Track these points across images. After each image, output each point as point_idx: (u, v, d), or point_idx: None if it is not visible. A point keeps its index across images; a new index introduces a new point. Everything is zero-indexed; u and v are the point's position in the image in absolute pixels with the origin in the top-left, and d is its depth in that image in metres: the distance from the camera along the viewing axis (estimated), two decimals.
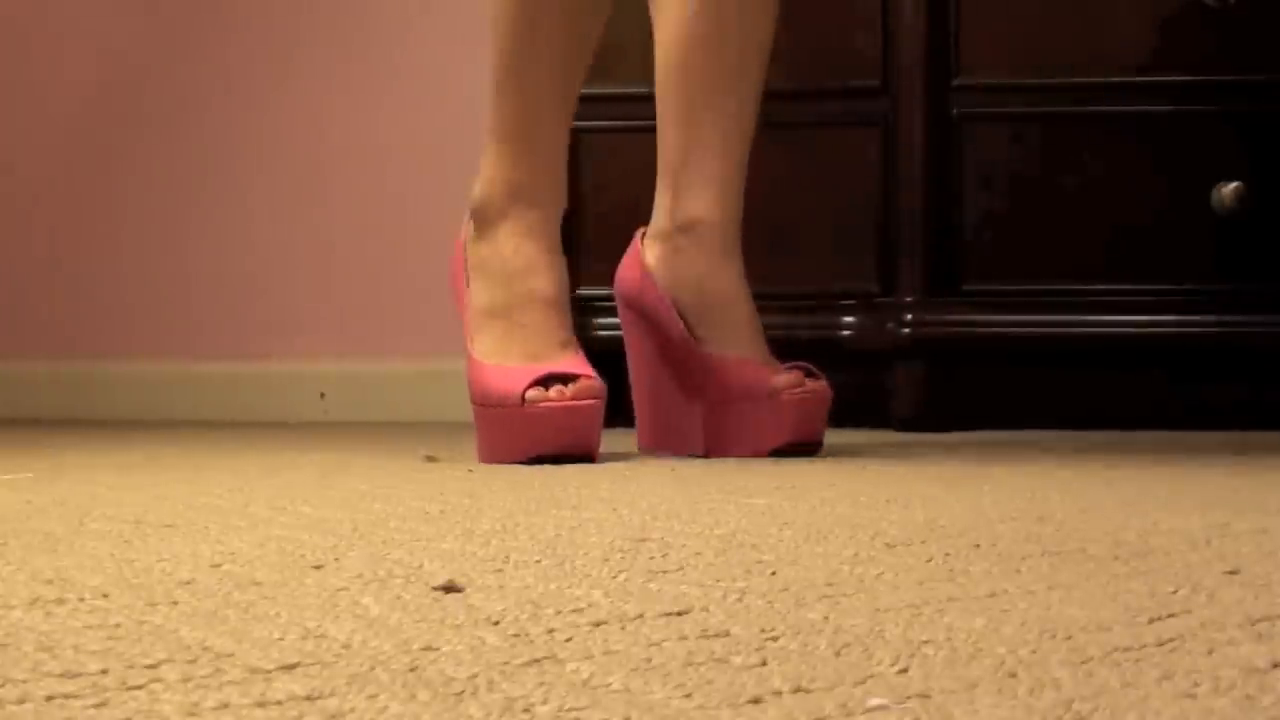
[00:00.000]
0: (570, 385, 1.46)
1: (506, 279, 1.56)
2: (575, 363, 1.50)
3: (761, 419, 1.55)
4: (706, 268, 1.60)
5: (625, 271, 1.67)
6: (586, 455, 1.46)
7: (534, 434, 1.45)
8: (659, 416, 1.64)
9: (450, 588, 0.69)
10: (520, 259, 1.57)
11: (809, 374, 1.58)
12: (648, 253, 1.63)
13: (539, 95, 1.63)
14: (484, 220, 1.60)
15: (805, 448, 1.55)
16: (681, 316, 1.60)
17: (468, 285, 1.59)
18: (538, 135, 1.63)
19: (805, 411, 1.55)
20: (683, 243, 1.61)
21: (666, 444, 1.63)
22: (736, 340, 1.59)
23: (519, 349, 1.52)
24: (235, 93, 2.69)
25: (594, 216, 2.17)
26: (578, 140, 2.20)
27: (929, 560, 0.78)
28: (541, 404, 1.45)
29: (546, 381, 1.46)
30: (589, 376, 1.48)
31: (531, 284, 1.56)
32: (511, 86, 1.65)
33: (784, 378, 1.55)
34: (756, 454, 1.54)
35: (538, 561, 0.78)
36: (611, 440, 1.57)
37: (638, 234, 1.67)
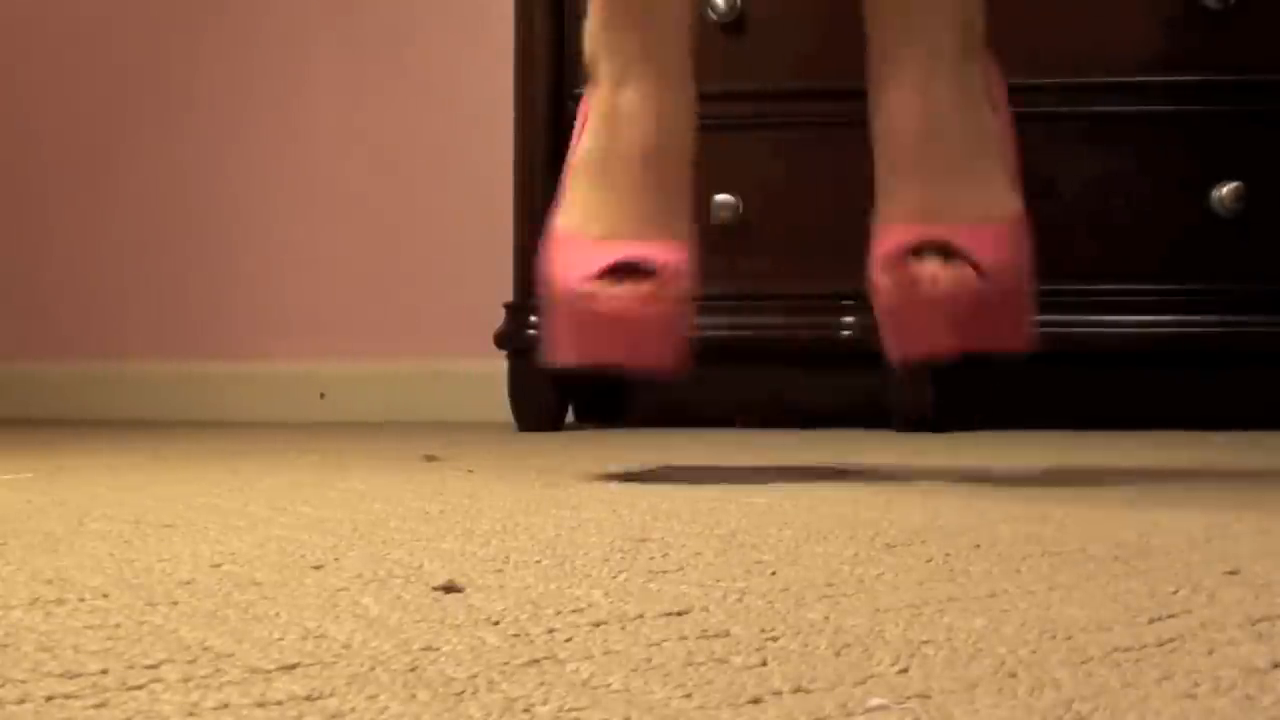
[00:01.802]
0: (644, 282, 1.15)
1: (612, 124, 1.23)
2: (656, 246, 1.17)
3: (879, 316, 1.19)
4: (907, 90, 1.21)
5: None
6: (659, 366, 1.17)
7: (586, 339, 1.17)
8: None
9: (450, 588, 0.69)
10: (626, 99, 1.22)
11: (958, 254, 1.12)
12: None
13: None
14: (594, 70, 1.26)
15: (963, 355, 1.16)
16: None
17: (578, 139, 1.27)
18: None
19: (916, 320, 1.14)
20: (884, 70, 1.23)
21: None
22: (887, 183, 1.21)
23: (600, 220, 1.20)
24: (235, 92, 2.69)
25: None
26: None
27: (929, 560, 0.78)
28: (591, 304, 1.15)
29: (619, 271, 1.16)
30: (663, 267, 1.16)
31: (631, 131, 1.22)
32: None
33: (886, 276, 1.15)
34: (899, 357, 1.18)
35: (538, 561, 0.78)
36: (614, 439, 1.57)
37: None
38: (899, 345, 1.15)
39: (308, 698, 0.49)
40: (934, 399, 2.09)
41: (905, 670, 0.52)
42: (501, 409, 2.24)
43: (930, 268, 1.12)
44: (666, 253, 1.16)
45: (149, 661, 0.54)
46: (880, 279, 1.14)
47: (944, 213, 1.12)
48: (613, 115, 1.22)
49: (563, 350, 1.19)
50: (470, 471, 1.40)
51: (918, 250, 1.12)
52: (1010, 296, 1.12)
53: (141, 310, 2.71)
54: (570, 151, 1.26)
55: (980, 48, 1.23)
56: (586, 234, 1.19)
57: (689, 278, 1.17)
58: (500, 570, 0.75)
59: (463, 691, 0.49)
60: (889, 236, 1.14)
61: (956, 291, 1.10)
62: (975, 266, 1.11)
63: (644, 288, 1.14)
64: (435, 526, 0.94)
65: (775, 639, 0.58)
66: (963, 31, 1.22)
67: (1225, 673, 0.51)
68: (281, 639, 0.58)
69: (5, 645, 0.57)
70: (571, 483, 1.25)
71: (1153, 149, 2.08)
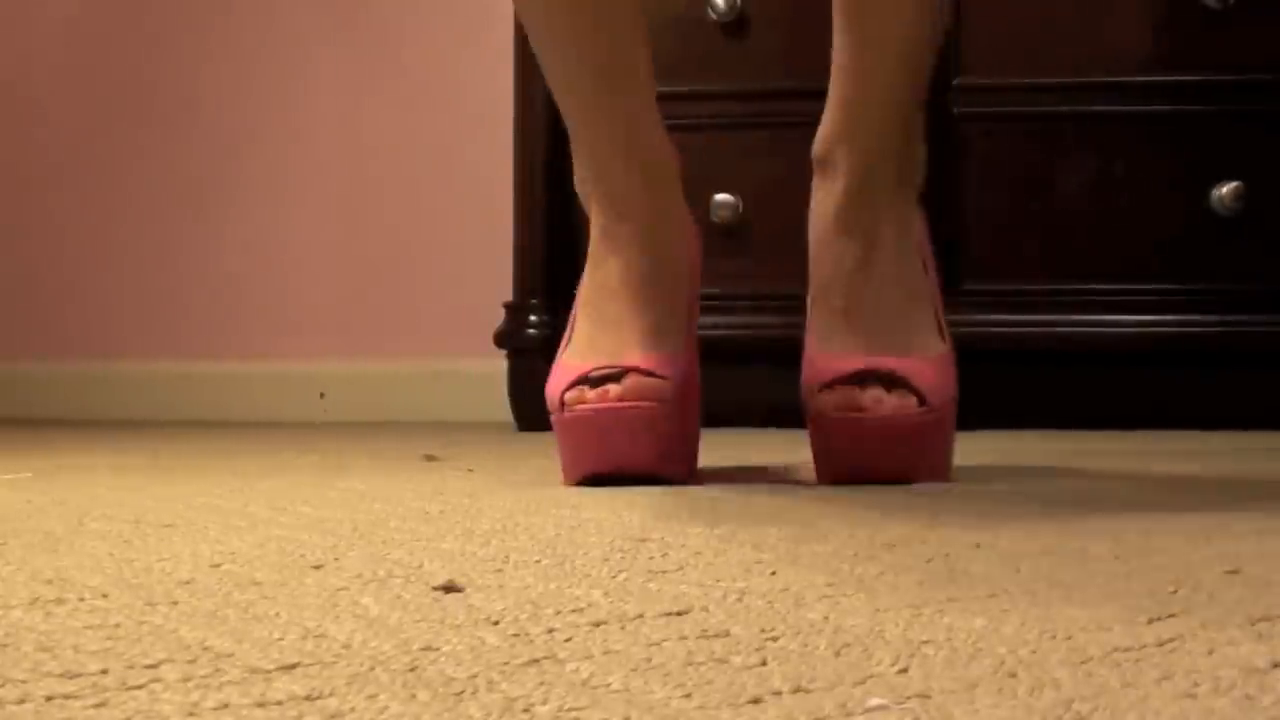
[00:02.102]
0: (613, 385, 1.17)
1: (601, 259, 1.24)
2: (647, 357, 1.18)
3: (813, 440, 1.21)
4: (832, 215, 1.27)
5: None
6: (644, 472, 1.16)
7: (574, 447, 1.18)
8: None
9: (450, 588, 0.69)
10: (618, 233, 1.24)
11: (893, 383, 1.17)
12: None
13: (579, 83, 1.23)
14: (584, 202, 1.28)
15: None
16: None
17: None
18: (589, 129, 1.25)
19: (856, 441, 1.16)
20: (817, 180, 1.30)
21: None
22: (825, 326, 1.24)
23: (591, 347, 1.20)
24: (235, 93, 2.69)
25: None
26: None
27: (929, 560, 0.78)
28: (576, 409, 1.17)
29: (597, 380, 1.18)
30: (647, 371, 1.17)
31: (618, 264, 1.23)
32: (554, 77, 1.25)
33: (830, 395, 1.17)
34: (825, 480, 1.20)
35: (538, 561, 0.78)
36: None
37: None
38: (831, 467, 1.18)
39: (308, 698, 0.49)
40: None
41: (905, 670, 0.52)
42: (501, 409, 2.24)
43: (874, 392, 1.16)
44: (644, 360, 1.18)
45: (149, 661, 0.54)
46: (821, 399, 1.17)
47: (886, 348, 1.18)
48: (601, 252, 1.24)
49: (565, 471, 1.21)
50: (470, 471, 1.39)
51: (862, 378, 1.17)
52: (943, 425, 1.18)
53: (142, 310, 2.71)
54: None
55: (916, 199, 1.30)
56: (574, 358, 1.21)
57: (674, 383, 1.18)
58: (500, 570, 0.75)
59: (463, 691, 0.49)
60: (832, 363, 1.18)
61: (898, 415, 1.15)
62: (916, 394, 1.16)
63: (612, 389, 1.16)
64: (435, 526, 0.94)
65: (775, 639, 0.58)
66: (912, 177, 1.30)
67: (1225, 673, 0.51)
68: (281, 639, 0.58)
69: (5, 645, 0.57)
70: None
71: (1153, 149, 2.08)
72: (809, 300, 1.26)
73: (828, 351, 1.20)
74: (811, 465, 1.21)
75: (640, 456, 1.16)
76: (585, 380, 1.17)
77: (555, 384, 1.20)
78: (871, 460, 1.16)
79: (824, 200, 1.29)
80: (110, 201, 2.73)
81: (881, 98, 1.25)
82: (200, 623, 0.62)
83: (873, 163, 1.26)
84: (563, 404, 1.18)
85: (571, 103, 1.25)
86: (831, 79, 1.27)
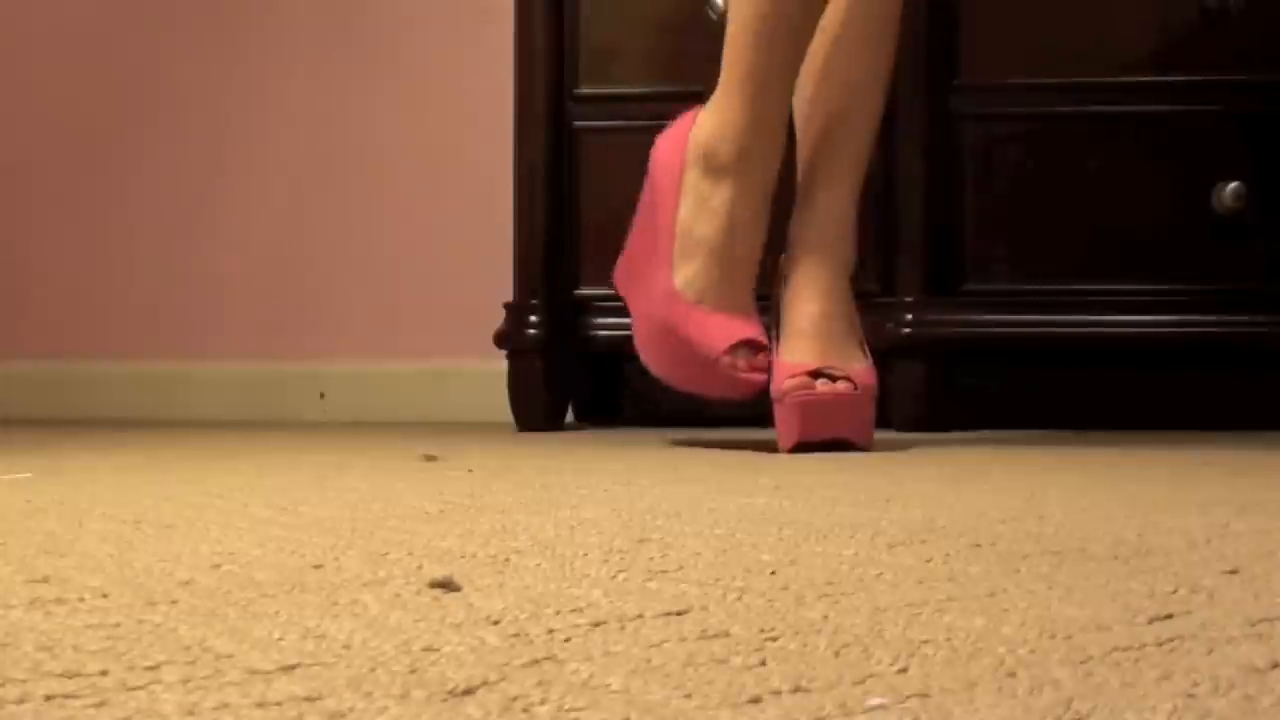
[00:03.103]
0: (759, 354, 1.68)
1: (727, 227, 1.70)
2: (761, 331, 1.69)
3: (777, 417, 1.66)
4: (797, 289, 1.72)
5: (667, 136, 1.75)
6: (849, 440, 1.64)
7: (723, 388, 1.68)
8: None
9: (448, 585, 0.69)
10: (740, 214, 1.69)
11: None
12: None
13: (785, 55, 1.67)
14: (713, 160, 1.70)
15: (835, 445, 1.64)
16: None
17: (678, 201, 1.72)
18: (775, 95, 1.68)
19: (809, 409, 1.64)
20: (784, 260, 1.75)
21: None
22: (792, 349, 1.69)
23: (720, 300, 1.68)
24: (235, 92, 2.69)
25: (592, 215, 2.17)
26: (577, 140, 2.21)
27: (929, 560, 0.78)
28: (739, 373, 1.67)
29: (745, 346, 1.67)
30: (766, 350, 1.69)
31: (743, 244, 1.69)
32: (764, 41, 1.66)
33: (792, 381, 1.64)
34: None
35: (538, 562, 0.78)
36: (614, 438, 1.58)
37: (694, 111, 1.73)
38: (790, 432, 1.63)
39: (308, 698, 0.49)
40: (933, 399, 2.09)
41: (905, 670, 0.52)
42: (501, 409, 2.24)
43: (823, 381, 1.65)
44: (763, 335, 1.71)
45: (149, 662, 0.54)
46: (785, 384, 1.64)
47: (834, 357, 1.68)
48: (725, 216, 1.70)
49: (679, 379, 1.74)
50: (470, 471, 1.40)
51: (816, 372, 1.66)
52: (869, 406, 1.67)
53: (141, 310, 2.71)
54: (671, 197, 1.73)
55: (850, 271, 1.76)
56: (705, 302, 1.70)
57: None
58: (500, 570, 0.75)
59: (463, 691, 0.49)
60: (799, 364, 1.66)
61: (841, 394, 1.65)
62: (851, 383, 1.66)
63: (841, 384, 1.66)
64: (435, 526, 0.94)
65: (775, 639, 0.58)
66: (848, 256, 1.75)
67: (1225, 673, 0.51)
68: (281, 639, 0.58)
69: (5, 645, 0.57)
70: (571, 483, 1.25)
71: (1153, 149, 2.08)
72: (779, 338, 1.71)
73: (790, 360, 1.67)
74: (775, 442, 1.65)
75: (850, 429, 1.65)
76: (743, 344, 1.67)
77: (714, 334, 1.68)
78: (818, 425, 1.63)
79: (797, 285, 1.73)
80: (110, 201, 2.73)
81: (852, 198, 1.75)
82: (200, 623, 0.62)
83: (836, 266, 1.74)
84: (719, 359, 1.67)
85: None
86: (805, 184, 1.74)
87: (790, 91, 1.70)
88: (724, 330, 1.68)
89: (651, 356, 1.73)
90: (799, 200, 1.75)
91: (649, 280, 1.72)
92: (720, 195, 1.70)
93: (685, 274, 1.70)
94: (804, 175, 1.75)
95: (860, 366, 1.68)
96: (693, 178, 1.71)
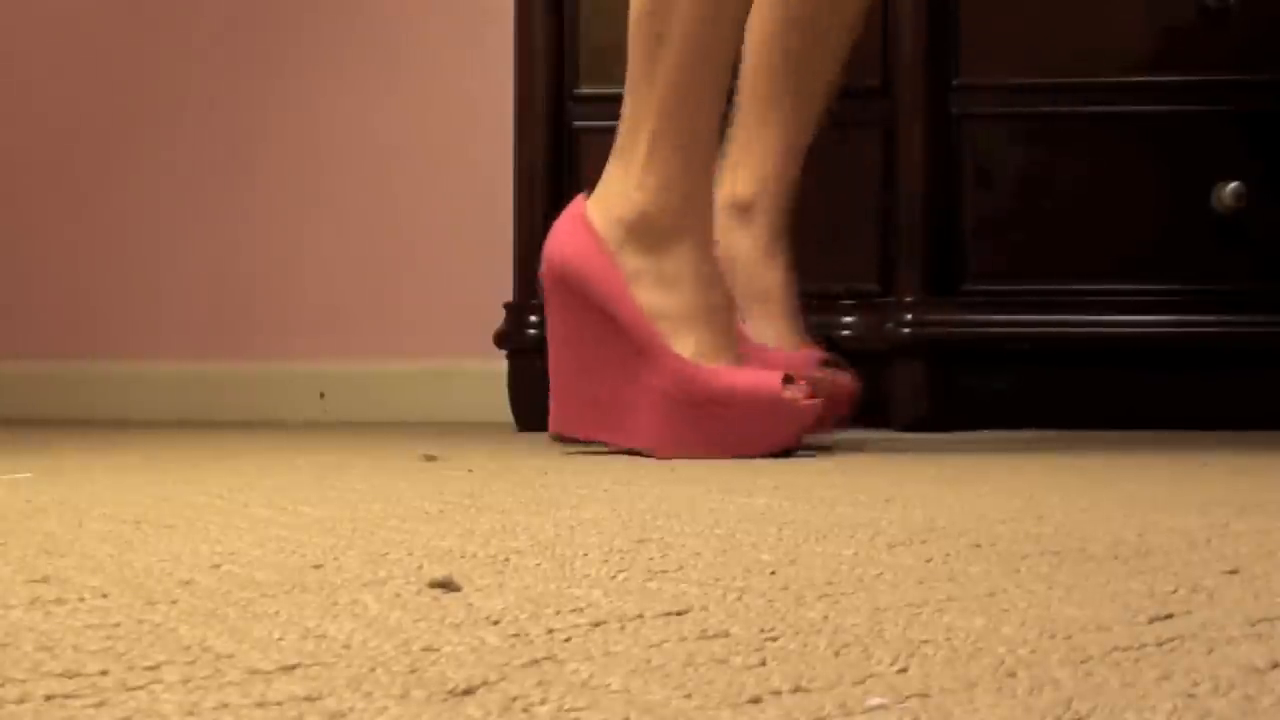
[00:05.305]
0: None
1: (696, 287, 1.59)
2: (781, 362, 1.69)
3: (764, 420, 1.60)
4: (763, 249, 1.75)
5: (566, 238, 1.62)
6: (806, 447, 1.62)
7: (791, 426, 1.57)
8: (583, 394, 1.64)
9: (447, 584, 0.69)
10: (700, 268, 1.60)
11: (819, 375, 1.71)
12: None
13: (716, 105, 1.60)
14: (653, 230, 1.59)
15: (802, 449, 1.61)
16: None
17: (629, 288, 1.59)
18: (709, 145, 1.61)
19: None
20: (736, 222, 1.74)
21: (587, 427, 1.63)
22: (774, 331, 1.74)
23: (731, 353, 1.59)
24: (235, 92, 2.69)
25: None
26: (577, 140, 2.21)
27: (929, 560, 0.78)
28: (801, 402, 1.57)
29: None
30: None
31: (717, 292, 1.61)
32: (695, 96, 1.58)
33: (792, 389, 1.57)
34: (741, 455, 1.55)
35: (537, 562, 0.78)
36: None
37: (579, 199, 1.64)
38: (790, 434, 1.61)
39: (308, 698, 0.48)
40: (933, 399, 2.09)
41: (905, 670, 0.52)
42: (501, 409, 2.24)
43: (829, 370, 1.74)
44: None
45: (149, 662, 0.54)
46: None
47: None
48: (696, 278, 1.61)
49: (751, 442, 1.58)
50: (470, 471, 1.40)
51: (825, 362, 1.75)
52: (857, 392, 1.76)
53: (142, 310, 2.71)
54: (620, 289, 1.61)
55: None
56: (720, 360, 1.60)
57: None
58: (500, 570, 0.75)
59: (463, 691, 0.49)
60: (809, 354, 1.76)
61: (849, 381, 1.74)
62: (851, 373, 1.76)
63: (807, 388, 1.60)
64: (435, 526, 0.94)
65: (775, 639, 0.58)
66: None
67: (1225, 673, 0.51)
68: (281, 639, 0.58)
69: (5, 645, 0.57)
70: (571, 483, 1.25)
71: (1153, 149, 2.08)
72: (746, 308, 1.74)
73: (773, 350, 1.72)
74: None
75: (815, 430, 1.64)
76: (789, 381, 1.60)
77: (760, 380, 1.60)
78: (833, 409, 1.68)
79: (746, 239, 1.77)
80: (110, 201, 2.73)
81: (806, 144, 1.77)
82: (200, 623, 0.62)
83: (785, 206, 1.77)
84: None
85: None
86: (758, 129, 1.75)
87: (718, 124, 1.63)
88: (759, 375, 1.58)
89: (685, 442, 1.56)
90: (758, 156, 1.75)
91: (637, 386, 1.59)
92: (671, 262, 1.59)
93: (689, 351, 1.58)
94: (770, 122, 1.75)
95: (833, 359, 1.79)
96: (632, 262, 1.59)
